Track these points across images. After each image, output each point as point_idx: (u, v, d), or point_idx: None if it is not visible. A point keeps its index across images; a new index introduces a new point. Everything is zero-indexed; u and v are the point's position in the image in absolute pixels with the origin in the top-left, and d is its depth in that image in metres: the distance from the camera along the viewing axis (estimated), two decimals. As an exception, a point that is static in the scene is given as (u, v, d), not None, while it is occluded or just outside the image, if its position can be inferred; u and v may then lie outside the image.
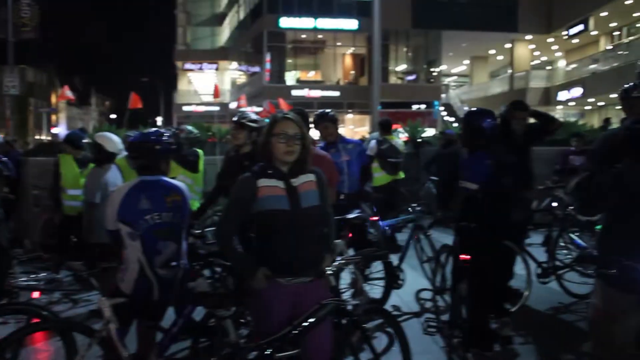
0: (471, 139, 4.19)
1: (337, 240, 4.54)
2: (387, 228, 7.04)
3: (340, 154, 5.26)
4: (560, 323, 5.05)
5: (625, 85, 4.44)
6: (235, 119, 4.65)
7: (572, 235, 5.98)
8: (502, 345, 4.24)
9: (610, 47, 28.27)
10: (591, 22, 26.78)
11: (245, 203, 2.77)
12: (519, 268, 5.33)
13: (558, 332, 4.78)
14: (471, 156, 4.15)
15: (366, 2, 22.45)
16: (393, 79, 34.35)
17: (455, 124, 30.30)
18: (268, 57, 31.79)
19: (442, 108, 34.90)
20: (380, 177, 7.83)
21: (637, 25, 27.08)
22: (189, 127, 6.67)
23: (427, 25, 30.49)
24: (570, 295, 5.49)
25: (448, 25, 30.13)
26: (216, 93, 19.34)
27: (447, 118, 34.18)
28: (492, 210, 4.02)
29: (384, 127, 8.38)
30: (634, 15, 25.89)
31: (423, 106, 32.80)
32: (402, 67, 35.05)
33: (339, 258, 3.28)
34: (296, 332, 2.65)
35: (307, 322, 2.66)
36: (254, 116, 4.69)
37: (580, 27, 27.61)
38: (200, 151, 6.09)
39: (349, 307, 2.79)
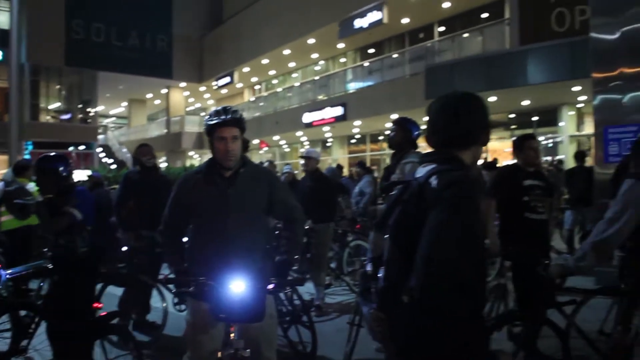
0: (44, 182, 4.43)
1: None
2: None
3: None
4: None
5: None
6: None
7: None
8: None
9: (253, 98, 32.02)
10: (236, 76, 29.97)
11: None
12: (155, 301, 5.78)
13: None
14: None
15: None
16: (46, 117, 32.12)
17: (114, 166, 30.15)
18: None
19: (100, 149, 34.05)
20: (7, 221, 7.36)
21: (273, 81, 31.39)
22: None
23: (81, 64, 29.51)
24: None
25: (104, 66, 29.75)
26: None
27: (105, 160, 33.50)
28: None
29: (18, 170, 7.79)
30: (270, 73, 30.02)
31: (82, 147, 31.46)
32: (55, 105, 33.06)
33: None
34: None
35: None
36: None
37: (227, 79, 30.59)
38: None
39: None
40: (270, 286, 2.91)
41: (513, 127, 18.16)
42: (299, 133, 25.27)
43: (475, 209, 1.70)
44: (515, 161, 4.79)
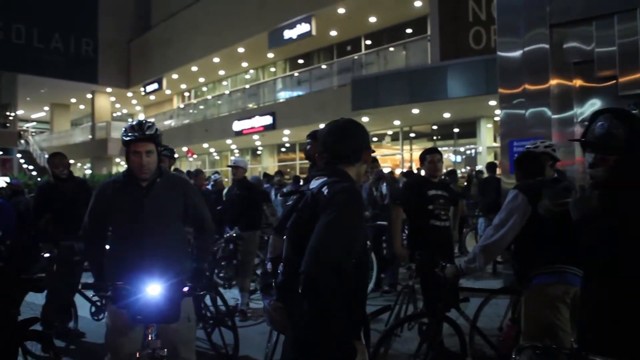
0: None
1: None
2: None
3: None
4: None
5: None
6: None
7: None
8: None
9: (182, 105, 31.67)
10: (164, 82, 29.59)
11: None
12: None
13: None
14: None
15: None
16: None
17: (35, 172, 28.96)
18: None
19: (20, 155, 32.64)
20: None
21: (203, 89, 31.16)
22: None
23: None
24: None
25: (24, 69, 28.64)
26: None
27: (26, 166, 32.15)
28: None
29: None
30: (199, 80, 29.81)
31: (0, 152, 30.04)
32: (-30, 109, 31.43)
33: None
34: None
35: None
36: None
37: (155, 85, 30.14)
38: None
39: None
40: (185, 289, 3.07)
41: (436, 137, 19.00)
42: (229, 141, 25.23)
43: (357, 214, 2.08)
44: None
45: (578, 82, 6.91)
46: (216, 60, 25.77)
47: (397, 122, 18.78)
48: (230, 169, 7.46)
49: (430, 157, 4.98)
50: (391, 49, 19.42)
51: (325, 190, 2.09)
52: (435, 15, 16.35)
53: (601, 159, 2.10)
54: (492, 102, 14.22)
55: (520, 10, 7.21)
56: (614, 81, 6.55)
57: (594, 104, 6.75)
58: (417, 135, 19.72)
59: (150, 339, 3.01)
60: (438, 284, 3.65)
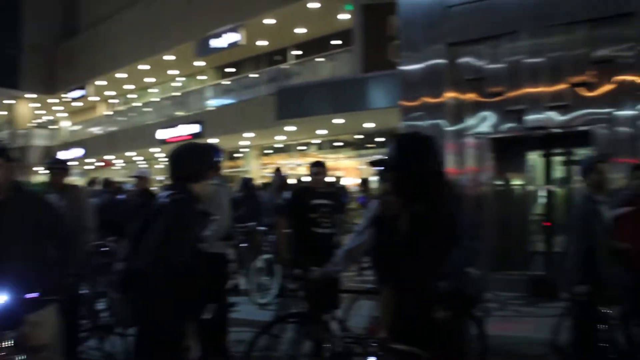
0: None
1: None
2: None
3: None
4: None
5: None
6: None
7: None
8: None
9: (110, 113, 30.93)
10: (90, 89, 28.82)
11: None
12: None
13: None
14: None
15: None
16: None
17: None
18: None
19: None
20: None
21: (128, 95, 30.53)
22: None
23: None
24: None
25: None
26: None
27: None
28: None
29: None
30: (127, 87, 29.21)
31: None
32: None
33: None
34: None
35: None
36: None
37: (81, 92, 29.32)
38: None
39: None
40: (32, 295, 3.17)
41: (361, 146, 19.38)
42: (156, 149, 24.78)
43: (185, 221, 2.46)
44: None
45: (470, 97, 7.32)
46: (143, 67, 25.35)
47: (322, 132, 19.04)
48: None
49: (315, 170, 5.25)
50: (319, 59, 19.68)
51: (165, 200, 2.53)
52: (358, 28, 16.71)
53: (384, 174, 2.47)
54: (413, 113, 14.64)
55: (420, 27, 7.58)
56: (502, 96, 6.99)
57: (484, 117, 7.17)
58: (343, 145, 20.05)
59: (3, 345, 3.12)
60: (312, 287, 3.81)
